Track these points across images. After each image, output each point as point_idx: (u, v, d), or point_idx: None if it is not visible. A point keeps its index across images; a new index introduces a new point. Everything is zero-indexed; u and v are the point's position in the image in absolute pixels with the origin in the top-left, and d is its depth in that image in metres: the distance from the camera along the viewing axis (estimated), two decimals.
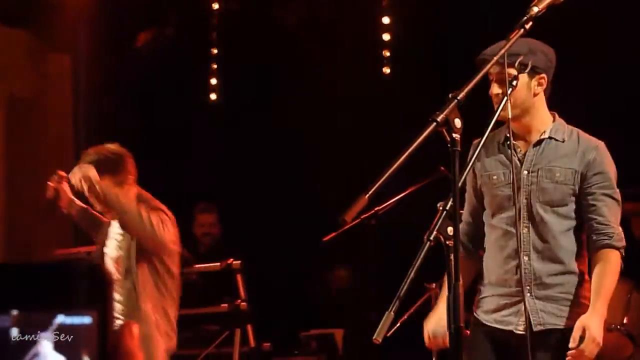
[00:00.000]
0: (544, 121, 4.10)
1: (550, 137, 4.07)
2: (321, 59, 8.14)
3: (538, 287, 3.97)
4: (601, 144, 4.09)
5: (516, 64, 3.87)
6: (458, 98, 2.87)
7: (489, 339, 4.10)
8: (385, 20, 8.13)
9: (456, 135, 2.89)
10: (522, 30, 3.08)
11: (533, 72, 3.99)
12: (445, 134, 2.89)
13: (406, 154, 2.99)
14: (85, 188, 4.98)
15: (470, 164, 3.26)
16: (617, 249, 4.01)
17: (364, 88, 8.19)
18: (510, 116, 3.68)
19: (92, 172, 4.98)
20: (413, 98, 6.40)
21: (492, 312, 4.12)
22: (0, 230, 8.72)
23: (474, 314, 4.19)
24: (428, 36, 7.82)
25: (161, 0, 8.79)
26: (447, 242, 2.95)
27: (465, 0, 7.73)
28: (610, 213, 4.04)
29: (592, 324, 3.91)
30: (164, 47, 8.81)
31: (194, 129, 8.92)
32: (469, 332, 4.09)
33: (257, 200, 8.61)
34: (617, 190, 4.09)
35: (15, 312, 1.15)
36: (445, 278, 4.01)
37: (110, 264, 5.11)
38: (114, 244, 5.21)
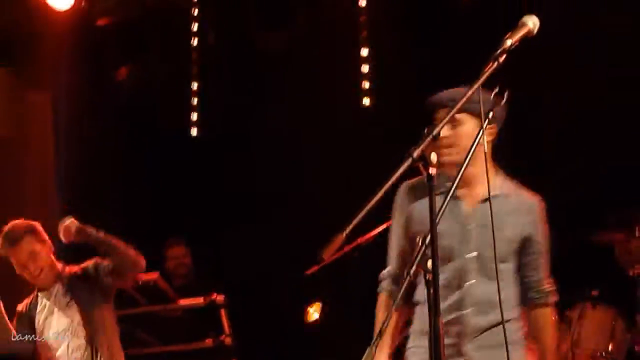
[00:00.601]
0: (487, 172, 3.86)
1: (497, 193, 3.93)
2: (302, 91, 8.15)
3: (478, 338, 3.89)
4: (538, 200, 4.07)
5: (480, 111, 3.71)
6: (433, 134, 2.88)
7: None
8: (364, 52, 8.15)
9: (432, 170, 2.90)
10: (495, 63, 3.08)
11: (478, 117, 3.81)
12: (422, 168, 2.90)
13: (383, 189, 3.00)
14: (75, 235, 5.57)
15: (443, 209, 3.09)
16: (553, 304, 4.11)
17: (345, 119, 8.20)
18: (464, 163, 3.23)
19: (73, 221, 5.59)
20: (394, 129, 6.42)
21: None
22: None
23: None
24: (408, 65, 7.83)
25: (141, 35, 8.79)
26: (428, 276, 2.95)
27: (446, 28, 7.75)
28: (545, 270, 4.10)
29: None
30: (144, 82, 8.81)
31: (176, 163, 8.91)
32: None
33: (240, 234, 8.60)
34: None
35: None
36: (377, 327, 4.03)
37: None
38: (58, 315, 5.51)
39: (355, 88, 8.22)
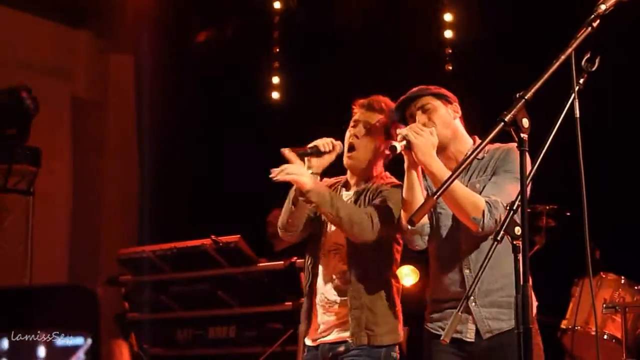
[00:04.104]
0: (467, 144, 4.18)
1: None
2: (383, 56, 8.11)
3: (480, 295, 3.97)
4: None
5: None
6: (526, 97, 2.86)
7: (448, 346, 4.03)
8: (448, 17, 8.09)
9: (524, 135, 2.87)
10: (589, 28, 3.04)
11: (447, 102, 4.21)
12: (513, 133, 2.88)
13: (473, 155, 3.01)
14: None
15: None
16: None
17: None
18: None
19: None
20: (476, 96, 6.37)
21: (438, 320, 4.12)
22: (68, 228, 8.84)
23: (425, 326, 4.17)
24: (490, 33, 7.75)
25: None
26: (515, 242, 2.93)
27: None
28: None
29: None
30: (225, 46, 8.84)
31: (257, 126, 8.93)
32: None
33: None
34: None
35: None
36: None
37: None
38: None
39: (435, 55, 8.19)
